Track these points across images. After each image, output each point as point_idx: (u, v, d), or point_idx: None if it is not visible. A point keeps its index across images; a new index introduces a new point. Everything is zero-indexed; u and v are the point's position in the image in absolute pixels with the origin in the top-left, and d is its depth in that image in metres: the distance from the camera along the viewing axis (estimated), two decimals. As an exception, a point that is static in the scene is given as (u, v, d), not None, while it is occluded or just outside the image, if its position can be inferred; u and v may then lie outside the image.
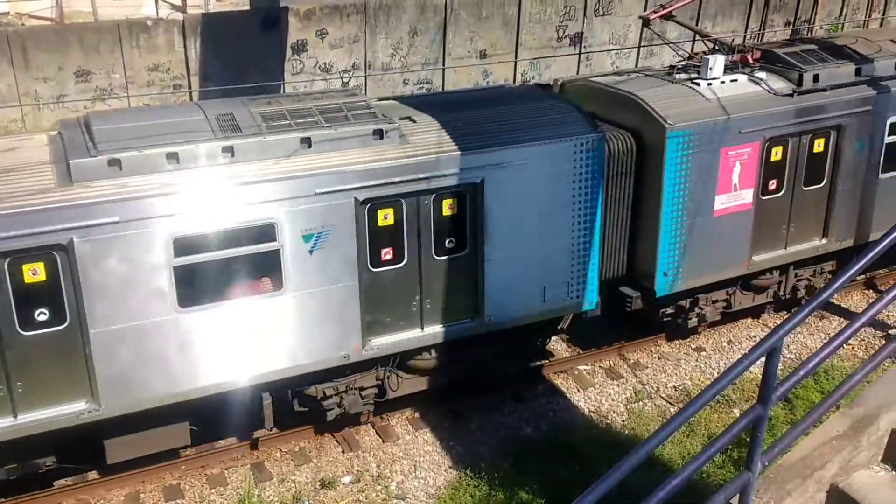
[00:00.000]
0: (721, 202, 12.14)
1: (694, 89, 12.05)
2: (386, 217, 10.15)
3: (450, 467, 11.10)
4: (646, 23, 13.92)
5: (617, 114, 12.09)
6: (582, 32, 25.41)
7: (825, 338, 13.72)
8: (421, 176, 10.09)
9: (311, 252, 9.75)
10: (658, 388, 12.80)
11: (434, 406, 12.13)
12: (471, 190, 10.47)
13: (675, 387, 12.83)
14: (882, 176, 13.44)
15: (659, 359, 13.53)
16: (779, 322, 6.96)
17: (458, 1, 23.64)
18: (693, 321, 13.25)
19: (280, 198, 9.47)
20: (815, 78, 12.51)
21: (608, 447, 10.96)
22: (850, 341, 12.87)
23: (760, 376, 4.35)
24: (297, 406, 10.88)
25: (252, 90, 21.10)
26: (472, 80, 24.05)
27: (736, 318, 14.48)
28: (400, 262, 10.38)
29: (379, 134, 10.02)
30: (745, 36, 27.64)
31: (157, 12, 26.89)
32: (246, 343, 9.78)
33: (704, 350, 13.77)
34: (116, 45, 20.34)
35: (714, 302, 13.25)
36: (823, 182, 13.06)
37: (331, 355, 10.28)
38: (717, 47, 12.97)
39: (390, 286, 10.42)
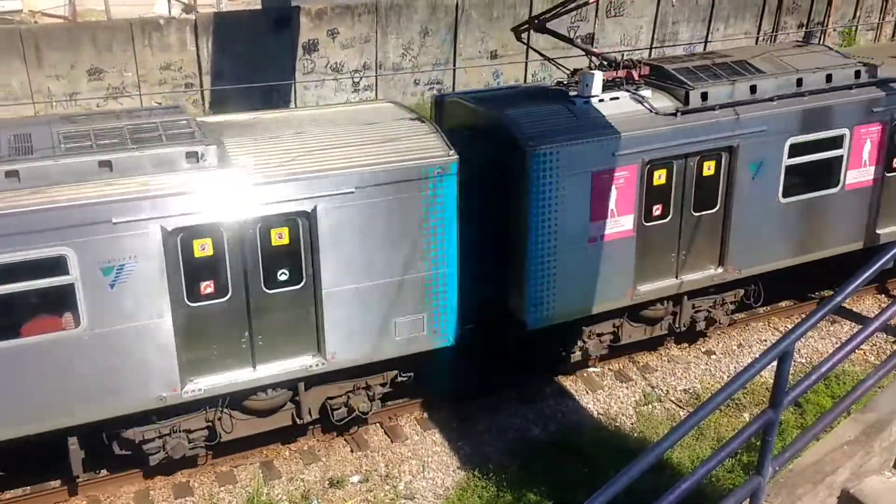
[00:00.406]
0: (598, 229, 11.27)
1: (568, 108, 11.29)
2: (203, 248, 9.30)
3: (458, 468, 11.10)
4: (517, 36, 12.60)
5: (484, 133, 11.27)
6: (593, 33, 25.38)
7: (837, 342, 13.65)
8: (243, 203, 9.29)
9: (111, 286, 8.92)
10: (668, 391, 12.76)
11: (442, 407, 12.13)
12: (303, 218, 9.63)
13: (684, 390, 12.79)
14: (783, 200, 12.56)
15: (669, 362, 13.49)
16: (790, 326, 6.91)
17: (469, 1, 23.65)
18: (576, 355, 12.34)
19: (71, 226, 8.59)
20: (704, 96, 11.70)
21: (617, 450, 10.94)
22: (862, 346, 12.79)
23: (771, 380, 4.33)
24: (117, 449, 10.05)
25: (263, 89, 21.21)
26: (482, 81, 24.06)
27: (746, 321, 14.45)
28: (223, 297, 9.57)
29: (194, 157, 9.12)
30: (757, 38, 27.55)
31: (170, 11, 27.00)
32: (41, 383, 9.00)
33: (714, 353, 13.72)
34: (129, 43, 20.45)
35: (599, 335, 12.35)
36: (717, 207, 12.13)
37: (143, 397, 9.46)
38: (601, 63, 12.00)
39: (212, 322, 9.60)
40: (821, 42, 27.61)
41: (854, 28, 29.35)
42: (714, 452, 4.21)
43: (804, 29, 28.08)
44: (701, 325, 13.21)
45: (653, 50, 26.11)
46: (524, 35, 12.66)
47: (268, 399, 10.45)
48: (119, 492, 10.57)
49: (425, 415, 12.08)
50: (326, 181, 9.60)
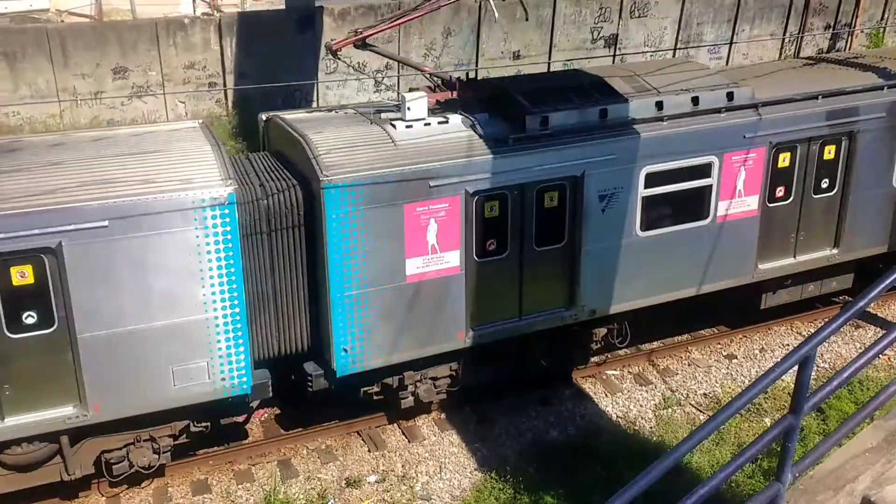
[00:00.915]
0: (416, 266, 10.29)
1: (387, 133, 10.35)
2: None
3: (475, 469, 11.06)
4: (333, 53, 11.58)
5: (293, 158, 10.50)
6: (617, 34, 25.24)
7: (861, 347, 13.46)
8: None
9: None
10: (688, 395, 12.65)
11: (460, 408, 12.10)
12: (48, 256, 8.75)
13: (705, 394, 12.67)
14: (641, 234, 11.56)
15: (689, 365, 13.37)
16: (813, 330, 6.78)
17: (492, 1, 23.58)
18: (408, 401, 11.31)
19: None
20: (544, 121, 10.69)
21: (635, 454, 10.85)
22: (885, 351, 12.61)
23: (793, 385, 4.27)
24: None
25: (286, 89, 21.29)
26: (505, 82, 23.96)
27: (769, 324, 14.29)
28: None
29: None
30: (783, 40, 27.27)
31: (195, 11, 27.20)
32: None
33: (736, 357, 13.58)
34: (153, 42, 20.60)
35: (434, 379, 11.32)
36: (563, 241, 11.18)
37: None
38: (443, 81, 11.13)
39: None
40: (848, 44, 27.30)
41: (882, 29, 28.95)
42: (734, 457, 4.16)
43: (831, 30, 27.75)
44: (559, 367, 12.21)
45: (677, 51, 25.93)
46: (342, 53, 11.62)
47: (25, 453, 9.47)
48: (137, 488, 10.63)
49: (443, 416, 12.05)
50: (72, 214, 8.68)
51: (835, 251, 13.19)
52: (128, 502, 10.44)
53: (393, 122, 10.50)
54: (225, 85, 21.57)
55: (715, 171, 11.82)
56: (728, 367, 13.32)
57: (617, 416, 12.15)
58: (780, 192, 12.54)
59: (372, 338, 10.35)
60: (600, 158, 10.97)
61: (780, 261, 12.87)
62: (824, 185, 12.84)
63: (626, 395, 12.61)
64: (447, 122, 10.57)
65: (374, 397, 11.09)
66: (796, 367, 4.17)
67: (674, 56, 25.51)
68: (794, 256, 12.99)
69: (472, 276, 10.72)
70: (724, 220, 12.12)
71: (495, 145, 10.52)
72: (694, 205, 11.90)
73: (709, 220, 12.00)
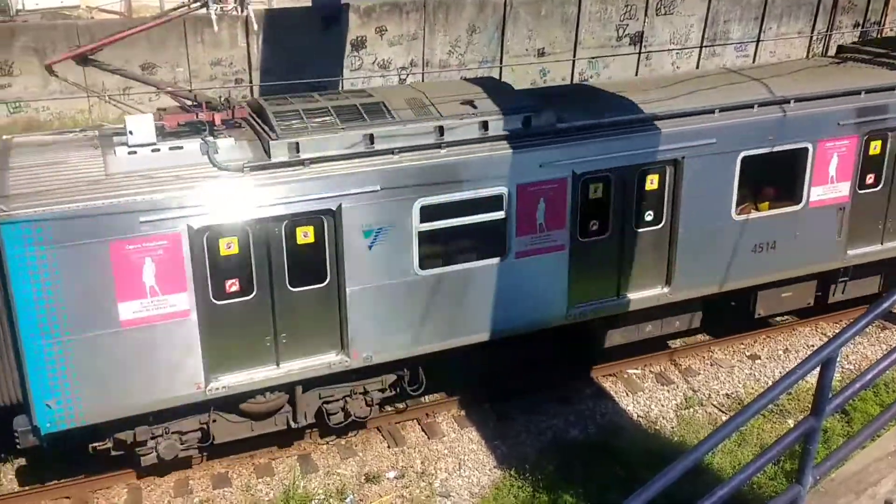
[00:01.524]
0: (133, 311, 9.22)
1: (104, 160, 9.31)
2: None
3: (494, 467, 11.06)
4: (50, 70, 10.56)
5: None
6: (642, 32, 25.08)
7: (886, 349, 13.28)
8: None
9: None
10: (710, 395, 12.55)
11: (480, 405, 12.10)
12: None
13: (727, 394, 12.57)
14: (422, 273, 10.40)
15: (711, 365, 13.27)
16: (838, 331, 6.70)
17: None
18: (150, 457, 10.16)
19: None
20: (294, 147, 9.57)
21: (656, 453, 10.78)
22: (913, 354, 12.40)
23: (815, 385, 4.23)
24: None
25: (311, 86, 21.39)
26: (529, 79, 23.94)
27: (793, 325, 14.14)
28: None
29: None
30: (810, 38, 26.96)
31: (222, 8, 27.35)
32: None
33: (759, 358, 13.46)
34: (181, 39, 20.80)
35: (182, 434, 10.21)
36: (325, 281, 10.04)
37: None
38: (198, 101, 10.03)
39: None
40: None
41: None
42: (755, 458, 4.13)
43: (860, 28, 27.39)
44: (339, 418, 10.94)
45: (703, 49, 25.72)
46: (58, 70, 10.54)
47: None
48: (159, 480, 10.74)
49: (462, 412, 12.06)
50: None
51: (666, 289, 11.88)
52: (150, 494, 10.55)
53: (117, 148, 9.42)
54: (251, 81, 21.72)
55: (508, 203, 10.52)
56: (751, 368, 13.20)
57: (638, 416, 12.08)
58: (594, 225, 11.27)
59: (84, 390, 9.24)
60: (362, 190, 9.83)
61: (602, 300, 11.64)
62: (648, 218, 11.55)
63: (647, 394, 12.55)
64: (181, 148, 9.46)
65: (112, 452, 10.04)
66: (818, 369, 4.13)
67: (699, 55, 25.30)
68: (618, 295, 11.72)
69: (210, 320, 9.59)
70: (525, 257, 10.86)
71: (230, 175, 9.39)
72: (487, 240, 10.67)
73: (508, 257, 10.77)
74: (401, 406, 11.83)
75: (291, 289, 9.95)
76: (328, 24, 21.82)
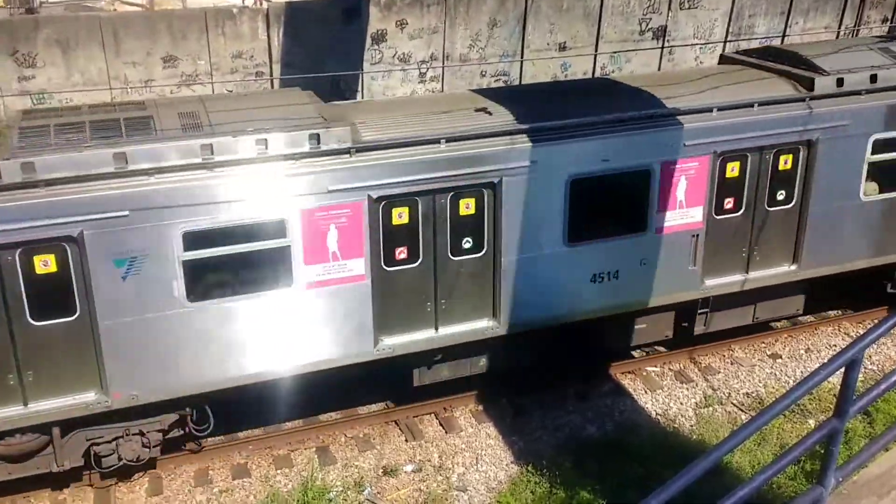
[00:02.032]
0: None
1: None
2: None
3: (511, 462, 11.04)
4: None
5: None
6: (666, 26, 24.87)
7: (911, 350, 13.13)
8: None
9: None
10: (730, 394, 12.45)
11: (498, 400, 12.09)
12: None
13: (747, 394, 12.46)
14: (192, 305, 9.51)
15: (732, 364, 13.17)
16: (861, 332, 6.61)
17: (538, -8, 23.42)
18: None
19: None
20: (31, 168, 8.67)
21: (674, 452, 10.73)
22: (937, 355, 12.28)
23: (839, 386, 4.17)
24: None
25: (331, 79, 21.41)
26: (550, 73, 23.83)
27: (815, 324, 14.00)
28: None
29: None
30: (837, 33, 26.63)
31: (244, 0, 27.47)
32: None
33: (780, 357, 13.34)
34: (203, 32, 20.87)
35: None
36: (75, 315, 9.23)
37: None
38: None
39: None
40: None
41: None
42: (775, 459, 4.09)
43: (889, 24, 27.01)
44: (112, 460, 10.15)
45: (727, 44, 25.46)
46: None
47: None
48: (179, 471, 10.83)
49: (480, 407, 12.05)
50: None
51: (492, 322, 10.99)
52: (169, 483, 10.64)
53: None
54: (272, 74, 21.76)
55: (293, 230, 9.71)
56: (772, 367, 13.08)
57: (656, 414, 12.01)
58: (401, 253, 10.37)
59: None
60: (109, 215, 8.95)
61: (417, 333, 10.76)
62: (467, 245, 10.60)
63: (666, 392, 12.47)
64: None
65: None
66: (842, 370, 4.07)
67: (723, 50, 25.03)
68: (437, 329, 10.85)
69: None
70: (314, 288, 10.02)
71: None
72: (268, 269, 9.83)
73: (292, 286, 9.91)
74: (195, 447, 10.99)
75: (35, 322, 9.08)
76: (349, 16, 21.81)
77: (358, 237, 10.00)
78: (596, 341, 11.98)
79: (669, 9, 24.70)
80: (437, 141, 10.12)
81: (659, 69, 24.56)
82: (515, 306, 10.92)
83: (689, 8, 25.03)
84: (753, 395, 12.42)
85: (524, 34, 23.65)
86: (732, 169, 11.58)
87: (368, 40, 22.30)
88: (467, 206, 10.43)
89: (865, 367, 12.65)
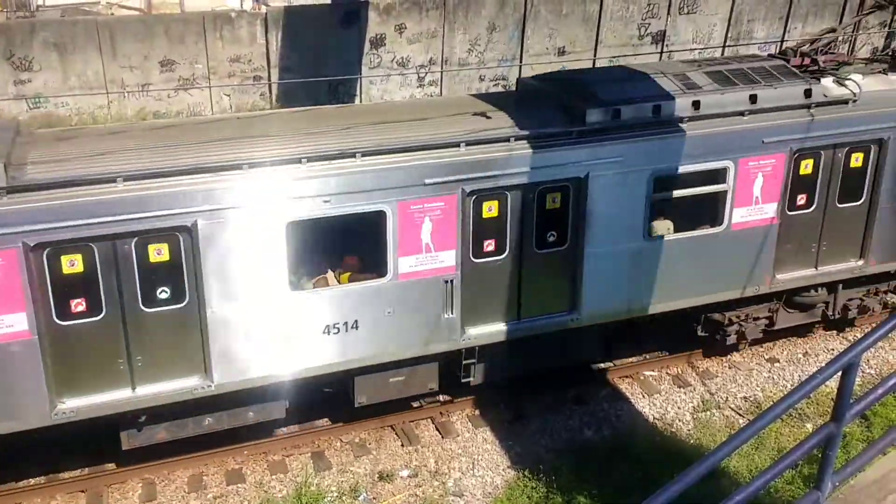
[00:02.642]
0: None
1: None
2: None
3: (508, 467, 10.98)
4: None
5: None
6: (665, 30, 24.89)
7: (910, 355, 13.09)
8: None
9: None
10: (727, 398, 12.41)
11: (494, 405, 12.03)
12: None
13: (745, 398, 12.41)
14: None
15: (729, 368, 13.12)
16: (859, 336, 6.56)
17: (538, -4, 23.44)
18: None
19: None
20: None
21: (672, 456, 10.67)
22: (936, 360, 12.24)
23: (836, 390, 4.13)
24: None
25: (330, 83, 21.40)
26: (549, 78, 23.81)
27: (813, 329, 13.95)
28: None
29: None
30: (837, 38, 26.64)
31: (242, 4, 27.48)
32: None
33: (778, 361, 13.29)
34: (201, 35, 20.86)
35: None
36: None
37: None
38: None
39: None
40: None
41: (940, 29, 28.10)
42: (773, 463, 4.06)
43: (887, 29, 27.03)
44: None
45: (726, 48, 25.48)
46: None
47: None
48: (173, 475, 10.76)
49: (477, 412, 11.99)
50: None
51: (204, 380, 9.76)
52: (163, 489, 10.57)
53: None
54: (270, 79, 21.75)
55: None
56: (770, 371, 13.04)
57: (654, 418, 11.96)
58: (78, 305, 9.15)
59: None
60: None
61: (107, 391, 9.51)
62: (163, 296, 9.39)
63: (663, 396, 12.42)
64: None
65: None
66: (839, 374, 4.04)
67: (722, 54, 25.05)
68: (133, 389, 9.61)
69: None
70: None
71: None
72: None
73: None
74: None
75: None
76: (347, 21, 21.81)
77: (15, 290, 8.77)
78: (350, 394, 10.82)
79: (669, 13, 24.72)
80: (112, 180, 8.89)
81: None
82: (233, 359, 9.75)
83: (688, 13, 25.05)
84: (751, 399, 12.37)
85: (523, 39, 23.66)
86: (490, 209, 10.34)
87: (367, 44, 22.29)
88: (158, 252, 9.19)
89: (863, 372, 12.62)
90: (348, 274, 10.51)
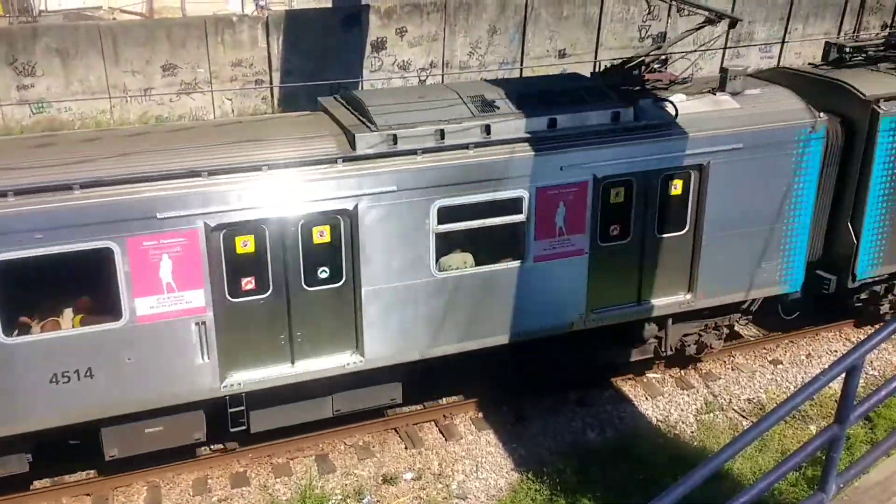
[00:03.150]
0: None
1: None
2: None
3: (511, 469, 11.00)
4: None
5: None
6: (665, 32, 24.93)
7: (912, 356, 13.10)
8: None
9: None
10: (731, 400, 12.42)
11: (498, 407, 12.05)
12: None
13: (748, 399, 12.42)
14: None
15: (732, 370, 13.13)
16: (862, 338, 6.57)
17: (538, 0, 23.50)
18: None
19: None
20: None
21: (675, 458, 10.69)
22: (939, 361, 12.24)
23: (840, 392, 4.15)
24: None
25: (331, 87, 21.45)
26: (549, 80, 23.86)
27: (816, 330, 13.96)
28: None
29: None
30: (837, 37, 26.67)
31: (243, 8, 27.55)
32: None
33: (781, 363, 13.30)
34: (202, 40, 20.93)
35: None
36: None
37: None
38: None
39: None
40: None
41: (941, 29, 28.13)
42: (777, 465, 4.07)
43: (888, 29, 27.04)
44: None
45: (727, 51, 25.51)
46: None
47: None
48: (178, 479, 10.78)
49: (480, 414, 12.00)
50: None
51: None
52: (169, 492, 10.59)
53: None
54: (271, 82, 21.81)
55: None
56: (773, 373, 13.05)
57: (657, 420, 11.97)
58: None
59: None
60: None
61: None
62: None
63: (667, 398, 12.43)
64: None
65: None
66: (843, 376, 4.05)
67: (723, 56, 25.07)
68: None
69: None
70: None
71: None
72: None
73: None
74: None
75: None
76: (348, 24, 21.86)
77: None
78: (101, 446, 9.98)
79: (669, 15, 24.76)
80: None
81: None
82: None
83: (688, 14, 25.05)
84: (754, 400, 12.38)
85: (524, 41, 23.72)
86: (245, 244, 9.53)
87: (368, 48, 22.35)
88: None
89: (866, 373, 12.62)
90: (80, 317, 9.41)
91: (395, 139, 9.81)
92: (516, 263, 10.59)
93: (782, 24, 26.18)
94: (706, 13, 11.68)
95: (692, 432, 11.69)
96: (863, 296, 13.33)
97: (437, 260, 10.26)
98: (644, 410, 12.16)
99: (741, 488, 5.10)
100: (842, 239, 12.57)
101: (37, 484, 10.56)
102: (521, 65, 23.68)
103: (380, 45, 22.44)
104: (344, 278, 9.99)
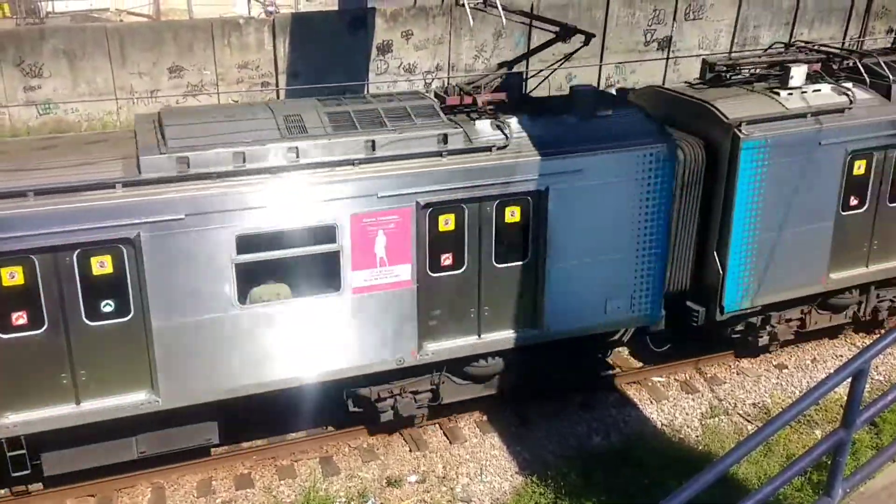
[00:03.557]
0: None
1: None
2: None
3: (516, 473, 10.99)
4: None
5: None
6: (671, 37, 24.93)
7: (918, 361, 13.06)
8: None
9: None
10: (735, 404, 12.40)
11: (502, 411, 12.04)
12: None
13: (753, 404, 12.40)
14: None
15: (738, 374, 13.11)
16: (868, 343, 6.57)
17: (543, 3, 23.50)
18: None
19: None
20: None
21: (680, 463, 10.67)
22: (945, 366, 12.20)
23: (846, 396, 4.14)
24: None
25: (337, 89, 21.48)
26: (555, 84, 23.85)
27: (821, 335, 13.93)
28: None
29: None
30: (842, 43, 26.63)
31: (250, 11, 27.62)
32: None
33: (787, 367, 13.28)
34: (209, 42, 20.97)
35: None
36: None
37: None
38: None
39: None
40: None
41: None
42: (782, 470, 4.07)
43: (894, 34, 27.01)
44: None
45: (732, 55, 25.48)
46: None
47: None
48: (182, 480, 10.80)
49: (485, 417, 12.00)
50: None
51: None
52: (173, 494, 10.61)
53: None
54: (277, 85, 21.85)
55: None
56: (778, 377, 13.02)
57: (662, 424, 11.96)
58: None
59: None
60: None
61: None
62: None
63: (671, 402, 12.41)
64: None
65: None
66: (849, 381, 4.05)
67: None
68: None
69: None
70: None
71: None
72: None
73: None
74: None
75: None
76: (354, 27, 21.90)
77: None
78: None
79: (674, 20, 24.75)
80: None
81: (663, 80, 24.56)
82: None
83: (693, 19, 25.08)
84: (760, 405, 12.36)
85: (529, 45, 23.70)
86: (12, 275, 8.78)
87: (374, 51, 22.38)
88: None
89: (872, 378, 12.59)
90: None
91: (186, 161, 9.09)
92: (333, 295, 9.92)
93: (787, 29, 26.15)
94: (556, 28, 11.21)
95: (697, 437, 11.67)
96: (738, 327, 12.58)
97: (240, 292, 9.56)
98: (649, 414, 12.14)
99: (746, 493, 5.09)
100: (709, 268, 11.81)
101: (40, 486, 10.58)
102: (527, 68, 23.68)
103: (386, 48, 22.48)
104: (132, 312, 9.25)
